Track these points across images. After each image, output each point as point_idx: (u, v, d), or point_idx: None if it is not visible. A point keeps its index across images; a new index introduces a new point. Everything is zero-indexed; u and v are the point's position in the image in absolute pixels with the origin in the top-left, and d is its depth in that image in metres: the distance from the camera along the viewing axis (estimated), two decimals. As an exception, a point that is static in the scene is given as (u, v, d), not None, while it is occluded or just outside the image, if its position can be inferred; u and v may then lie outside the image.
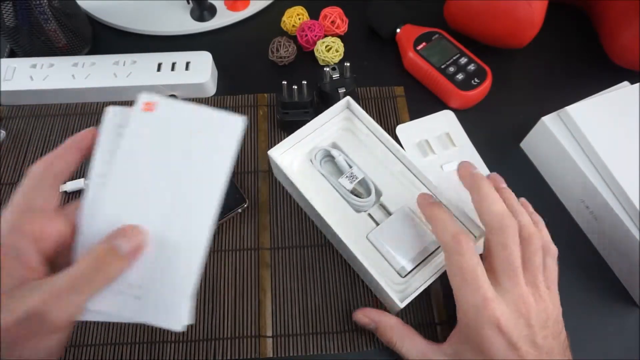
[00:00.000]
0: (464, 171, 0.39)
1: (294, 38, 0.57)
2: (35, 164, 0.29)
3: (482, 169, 0.48)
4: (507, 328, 0.32)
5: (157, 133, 0.30)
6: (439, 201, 0.39)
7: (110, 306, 0.28)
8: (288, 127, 0.50)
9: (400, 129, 0.50)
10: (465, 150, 0.49)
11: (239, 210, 0.45)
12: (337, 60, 0.55)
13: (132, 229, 0.28)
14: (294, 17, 0.56)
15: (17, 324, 0.25)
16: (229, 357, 0.40)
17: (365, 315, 0.40)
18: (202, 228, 0.29)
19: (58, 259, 0.28)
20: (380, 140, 0.45)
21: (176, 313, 0.28)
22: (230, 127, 0.30)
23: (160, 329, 0.41)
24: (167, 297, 0.28)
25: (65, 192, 0.47)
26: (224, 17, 0.59)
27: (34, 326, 0.25)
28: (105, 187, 0.29)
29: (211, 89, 0.53)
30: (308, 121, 0.45)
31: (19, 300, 0.25)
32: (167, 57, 0.52)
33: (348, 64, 0.49)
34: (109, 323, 0.41)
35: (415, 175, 0.44)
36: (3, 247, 0.26)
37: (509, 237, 0.34)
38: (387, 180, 0.44)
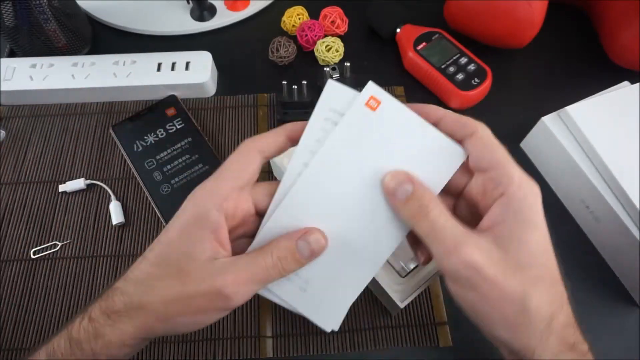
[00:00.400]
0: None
1: (294, 38, 0.57)
2: (244, 141, 0.29)
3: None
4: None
5: (372, 135, 0.28)
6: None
7: (277, 288, 0.29)
8: (288, 127, 0.50)
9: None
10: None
11: None
12: (337, 60, 0.55)
13: (316, 235, 0.29)
14: (294, 17, 0.56)
15: (203, 296, 0.27)
16: (229, 357, 0.40)
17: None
18: (388, 246, 0.29)
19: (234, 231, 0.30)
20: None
21: (332, 316, 0.29)
22: (452, 155, 0.29)
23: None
24: (330, 299, 0.29)
25: (66, 192, 0.47)
26: (224, 17, 0.59)
27: (215, 302, 0.27)
28: (304, 178, 0.28)
29: (211, 89, 0.53)
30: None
31: (210, 275, 0.27)
32: (167, 57, 0.52)
33: (348, 64, 0.49)
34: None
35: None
36: (203, 221, 0.28)
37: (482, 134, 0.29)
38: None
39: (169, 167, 0.47)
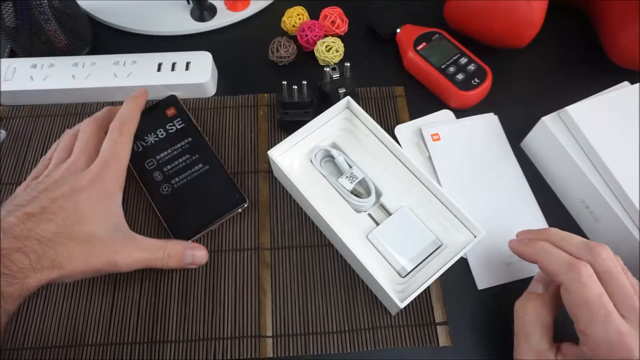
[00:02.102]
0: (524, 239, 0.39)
1: (294, 38, 0.57)
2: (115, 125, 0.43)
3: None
4: None
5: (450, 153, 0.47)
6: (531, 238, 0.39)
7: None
8: (288, 127, 0.50)
9: (399, 129, 0.50)
10: (465, 150, 0.49)
11: (239, 210, 0.45)
12: (337, 60, 0.55)
13: (203, 252, 0.42)
14: (294, 17, 0.56)
15: (103, 264, 0.36)
16: (229, 357, 0.40)
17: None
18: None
19: None
20: (380, 140, 0.45)
21: None
22: (489, 123, 0.50)
23: (159, 328, 0.41)
24: None
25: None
26: (224, 17, 0.59)
27: (108, 267, 0.37)
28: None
29: (211, 89, 0.53)
30: (308, 121, 0.45)
31: (111, 249, 0.37)
32: (167, 57, 0.52)
33: (348, 64, 0.49)
34: (109, 323, 0.41)
35: (415, 175, 0.44)
36: (111, 202, 0.40)
37: (582, 273, 0.32)
38: (387, 180, 0.44)
39: (169, 167, 0.47)
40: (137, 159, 0.47)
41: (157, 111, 0.50)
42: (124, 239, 0.38)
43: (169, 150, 0.48)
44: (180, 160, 0.47)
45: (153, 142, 0.48)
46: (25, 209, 0.34)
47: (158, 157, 0.47)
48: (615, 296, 0.31)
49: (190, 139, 0.48)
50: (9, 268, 0.30)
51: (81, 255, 0.35)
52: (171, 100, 0.51)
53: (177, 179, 0.46)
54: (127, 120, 0.42)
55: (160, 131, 0.49)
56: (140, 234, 0.40)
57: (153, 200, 0.46)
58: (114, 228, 0.38)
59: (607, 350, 0.30)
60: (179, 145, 0.48)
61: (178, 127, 0.49)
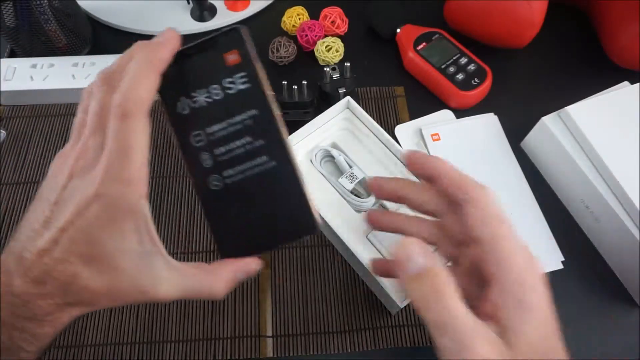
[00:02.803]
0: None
1: (294, 38, 0.57)
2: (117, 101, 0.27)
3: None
4: None
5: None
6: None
7: None
8: (288, 127, 0.49)
9: (399, 129, 0.50)
10: (465, 150, 0.49)
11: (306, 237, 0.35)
12: (337, 60, 0.55)
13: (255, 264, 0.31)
14: (294, 17, 0.56)
15: (134, 295, 0.28)
16: (229, 357, 0.40)
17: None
18: None
19: None
20: (380, 140, 0.45)
21: None
22: (489, 123, 0.46)
23: (159, 328, 0.41)
24: None
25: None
26: (224, 17, 0.59)
27: (142, 299, 0.28)
28: None
29: (211, 89, 0.53)
30: (308, 121, 0.45)
31: (144, 281, 0.28)
32: (167, 57, 0.52)
33: (348, 64, 0.49)
34: (109, 323, 0.41)
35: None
36: (126, 213, 0.27)
37: (489, 192, 0.30)
38: (387, 180, 0.44)
39: (222, 149, 0.31)
40: (182, 125, 0.31)
41: (213, 52, 0.31)
42: (151, 269, 0.28)
43: (225, 124, 0.31)
44: (239, 142, 0.31)
45: (205, 103, 0.31)
46: (38, 243, 0.27)
47: (209, 129, 0.31)
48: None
49: (255, 112, 0.31)
50: (35, 314, 0.27)
51: (107, 294, 0.28)
52: (234, 38, 0.31)
53: (230, 171, 0.31)
54: (132, 94, 0.27)
55: (214, 88, 0.31)
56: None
57: (198, 193, 0.31)
58: (139, 254, 0.28)
59: (525, 269, 0.26)
60: (238, 118, 0.31)
61: (241, 86, 0.31)
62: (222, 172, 0.31)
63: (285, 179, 0.31)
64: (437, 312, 0.25)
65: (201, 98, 0.30)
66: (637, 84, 0.45)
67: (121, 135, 0.27)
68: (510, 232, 0.27)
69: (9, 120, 0.52)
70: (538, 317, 0.26)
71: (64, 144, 0.50)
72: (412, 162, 0.32)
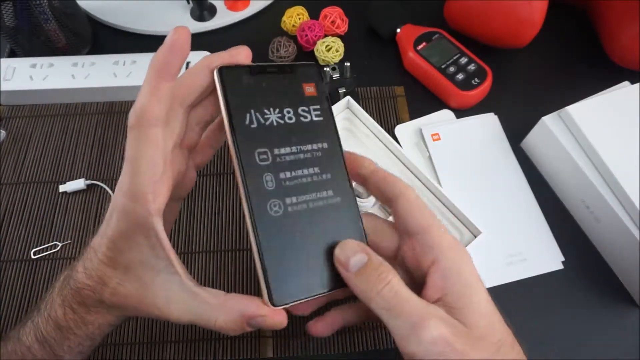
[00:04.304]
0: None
1: (294, 38, 0.57)
2: (139, 110, 0.27)
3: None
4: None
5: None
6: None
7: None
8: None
9: (399, 129, 0.50)
10: (465, 150, 0.49)
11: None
12: (337, 60, 0.55)
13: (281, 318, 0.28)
14: (294, 17, 0.56)
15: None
16: (229, 357, 0.40)
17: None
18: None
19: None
20: (380, 140, 0.45)
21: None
22: (489, 123, 0.45)
23: (159, 328, 0.41)
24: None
25: (66, 192, 0.47)
26: (224, 17, 0.59)
27: None
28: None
29: (211, 89, 0.53)
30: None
31: (192, 312, 0.28)
32: (167, 57, 0.52)
33: (348, 64, 0.49)
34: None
35: (415, 175, 0.44)
36: (143, 231, 0.27)
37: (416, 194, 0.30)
38: (387, 180, 0.44)
39: (288, 174, 0.29)
40: (246, 139, 0.28)
41: (292, 78, 0.31)
42: (165, 288, 0.28)
43: (294, 149, 0.30)
44: (306, 171, 0.30)
45: (275, 122, 0.30)
46: (94, 240, 0.29)
47: (277, 150, 0.29)
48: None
49: (326, 146, 0.31)
50: (84, 301, 0.29)
51: (135, 302, 0.29)
52: (313, 73, 0.32)
53: (294, 199, 0.29)
54: (138, 105, 0.27)
55: (288, 112, 0.30)
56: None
57: (253, 217, 0.27)
58: (156, 270, 0.28)
59: (458, 250, 0.28)
60: (309, 147, 0.30)
61: (314, 118, 0.31)
62: (285, 198, 0.28)
63: (347, 217, 0.30)
64: (387, 299, 0.25)
65: (273, 117, 0.29)
66: (637, 84, 0.45)
67: (129, 147, 0.26)
68: (439, 221, 0.29)
69: (9, 120, 0.52)
70: (481, 293, 0.27)
71: (63, 144, 0.50)
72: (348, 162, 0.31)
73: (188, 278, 0.28)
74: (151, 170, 0.26)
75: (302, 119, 0.30)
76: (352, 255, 0.27)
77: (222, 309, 0.27)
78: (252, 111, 0.29)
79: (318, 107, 0.31)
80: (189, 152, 0.31)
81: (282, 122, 0.30)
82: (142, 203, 0.26)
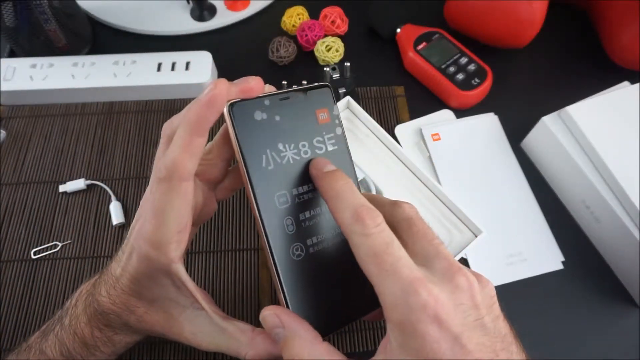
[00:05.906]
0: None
1: (294, 38, 0.57)
2: (162, 171, 0.26)
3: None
4: (447, 316, 0.22)
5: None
6: (334, 168, 0.27)
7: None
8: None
9: (399, 129, 0.50)
10: (466, 150, 0.49)
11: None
12: (337, 60, 0.55)
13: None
14: (294, 17, 0.56)
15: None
16: (229, 357, 0.40)
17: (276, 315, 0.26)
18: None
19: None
20: (380, 140, 0.45)
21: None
22: (489, 123, 0.45)
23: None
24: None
25: (66, 192, 0.47)
26: (224, 17, 0.59)
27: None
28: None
29: (211, 89, 0.53)
30: (308, 121, 0.44)
31: (221, 343, 0.30)
32: (167, 57, 0.52)
33: (348, 64, 0.49)
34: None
35: (415, 175, 0.44)
36: (165, 274, 0.28)
37: (368, 224, 0.24)
38: (387, 180, 0.44)
39: (307, 214, 0.28)
40: (263, 183, 0.27)
41: (305, 105, 0.29)
42: (193, 323, 0.30)
43: (312, 185, 0.28)
44: (324, 208, 0.28)
45: (291, 160, 0.28)
46: (117, 270, 0.30)
47: (295, 191, 0.27)
48: (416, 243, 0.25)
49: None
50: (110, 323, 0.31)
51: (164, 330, 0.31)
52: (325, 96, 0.29)
53: (314, 239, 0.28)
54: (170, 159, 0.26)
55: (304, 145, 0.28)
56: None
57: (275, 263, 0.27)
58: (182, 306, 0.30)
59: (405, 306, 0.22)
60: None
61: (329, 148, 0.29)
62: (306, 239, 0.27)
63: None
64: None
65: (289, 154, 0.27)
66: (637, 84, 0.45)
67: (156, 199, 0.26)
68: (392, 266, 0.24)
69: (9, 120, 0.52)
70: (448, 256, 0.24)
71: (63, 144, 0.50)
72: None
73: (215, 312, 0.29)
74: (178, 222, 0.26)
75: (317, 151, 0.28)
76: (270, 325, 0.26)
77: (252, 345, 0.28)
78: (268, 151, 0.27)
79: (332, 135, 0.29)
80: (211, 185, 0.31)
81: (297, 158, 0.28)
82: (165, 252, 0.26)
